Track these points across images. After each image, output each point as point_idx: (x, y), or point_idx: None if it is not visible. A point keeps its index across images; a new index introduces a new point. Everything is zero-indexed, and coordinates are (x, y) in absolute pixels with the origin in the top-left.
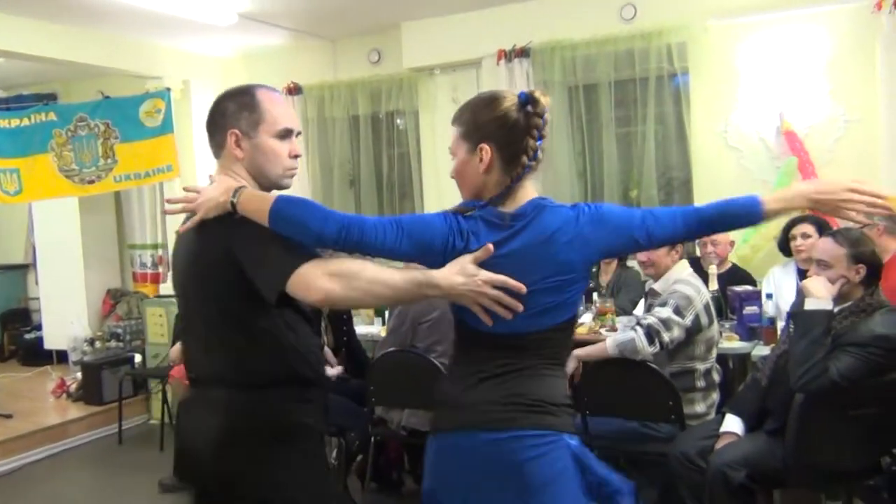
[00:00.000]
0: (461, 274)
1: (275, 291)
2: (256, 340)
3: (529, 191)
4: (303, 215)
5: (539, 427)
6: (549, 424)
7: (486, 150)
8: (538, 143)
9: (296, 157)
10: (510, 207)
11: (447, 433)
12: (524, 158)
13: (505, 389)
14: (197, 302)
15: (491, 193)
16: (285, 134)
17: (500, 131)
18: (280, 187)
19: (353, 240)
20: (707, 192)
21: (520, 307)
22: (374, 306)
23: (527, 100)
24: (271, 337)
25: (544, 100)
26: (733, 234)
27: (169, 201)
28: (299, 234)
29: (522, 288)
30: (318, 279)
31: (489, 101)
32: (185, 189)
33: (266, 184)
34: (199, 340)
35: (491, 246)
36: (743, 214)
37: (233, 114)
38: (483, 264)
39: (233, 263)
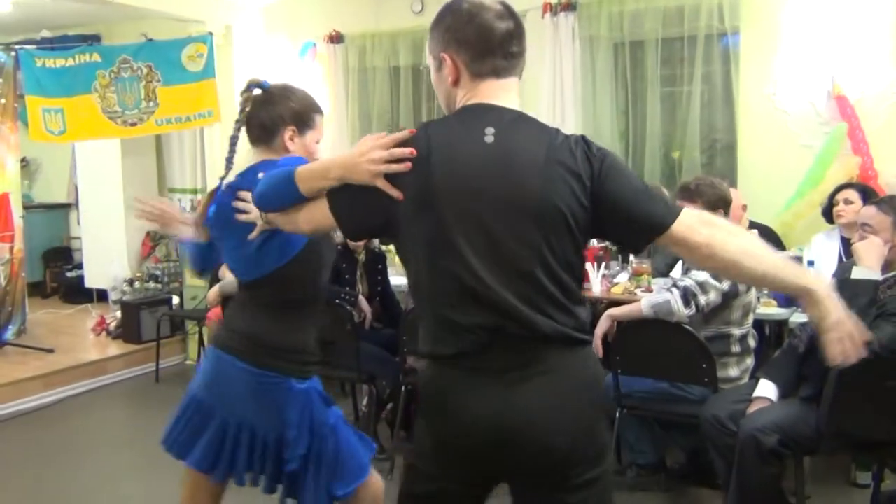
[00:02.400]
0: (357, 153)
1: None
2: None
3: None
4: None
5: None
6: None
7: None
8: None
9: None
10: None
11: None
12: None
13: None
14: (547, 265)
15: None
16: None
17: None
18: None
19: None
20: (751, 156)
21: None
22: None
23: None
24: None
25: None
26: (780, 198)
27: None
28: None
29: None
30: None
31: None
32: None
33: None
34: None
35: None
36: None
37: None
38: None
39: (599, 215)
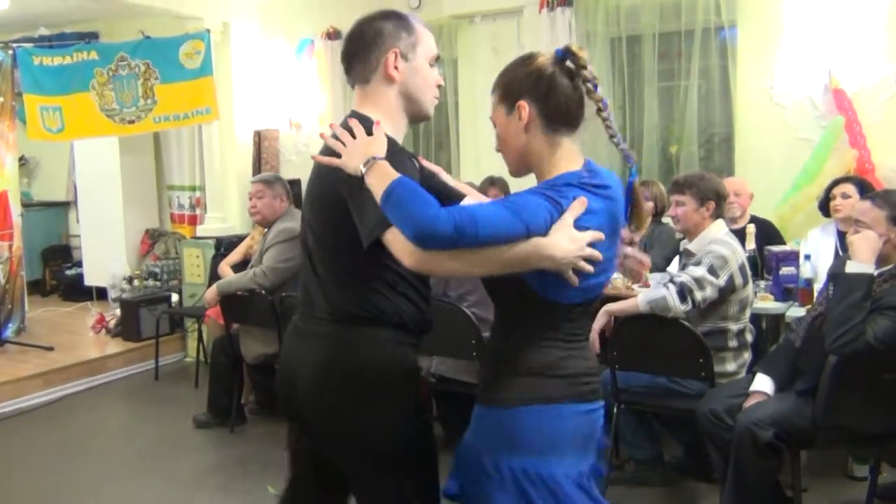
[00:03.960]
0: (570, 240)
1: (370, 235)
2: (374, 278)
3: (575, 153)
4: (415, 205)
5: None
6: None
7: (524, 107)
8: (597, 91)
9: (439, 86)
10: (566, 169)
11: (554, 404)
12: (576, 115)
13: (586, 360)
14: (316, 231)
15: (535, 157)
16: (434, 61)
17: (537, 85)
18: (426, 116)
19: (468, 238)
20: (749, 150)
21: (599, 256)
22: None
23: (564, 55)
24: (387, 277)
25: (582, 52)
26: (777, 192)
27: (324, 135)
28: (407, 224)
29: (601, 237)
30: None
31: (523, 59)
32: (324, 136)
33: (416, 110)
34: (315, 269)
35: (585, 199)
36: None
37: (392, 33)
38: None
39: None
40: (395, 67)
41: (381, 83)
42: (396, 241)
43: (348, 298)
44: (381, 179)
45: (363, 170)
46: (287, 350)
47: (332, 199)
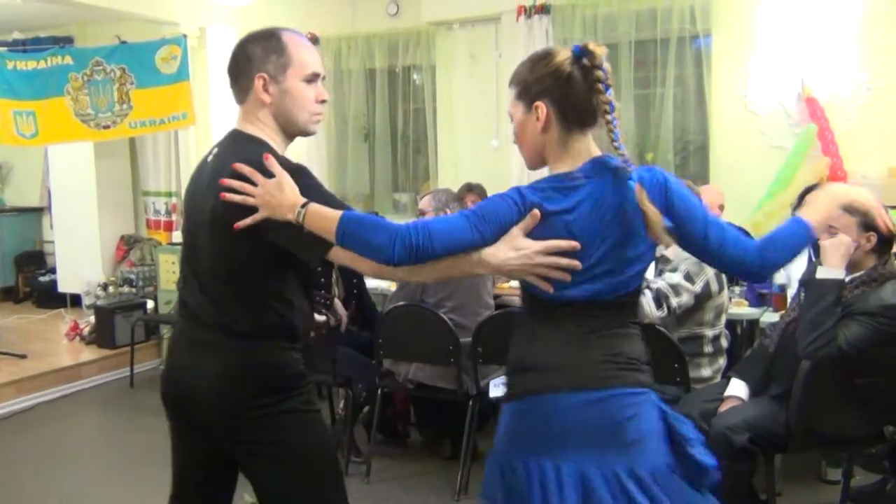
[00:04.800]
0: (512, 249)
1: (318, 258)
2: (267, 297)
3: (592, 147)
4: (371, 237)
5: (638, 385)
6: (643, 382)
7: (542, 108)
8: (608, 93)
9: (322, 101)
10: (571, 166)
11: (536, 396)
12: (590, 114)
13: (599, 350)
14: (212, 252)
15: (551, 154)
16: (312, 78)
17: (555, 86)
18: (306, 133)
19: (425, 255)
20: (723, 157)
21: (578, 265)
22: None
23: (581, 52)
24: (279, 295)
25: (599, 50)
26: (751, 199)
27: (227, 188)
28: (369, 254)
29: (576, 245)
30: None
31: (542, 57)
32: (243, 179)
33: (292, 130)
34: (205, 286)
35: (538, 212)
36: (798, 232)
37: (259, 57)
38: (552, 227)
39: (262, 224)
40: (266, 90)
41: (254, 105)
42: (346, 255)
43: (243, 316)
44: (323, 222)
45: (300, 220)
46: (177, 360)
47: (223, 219)
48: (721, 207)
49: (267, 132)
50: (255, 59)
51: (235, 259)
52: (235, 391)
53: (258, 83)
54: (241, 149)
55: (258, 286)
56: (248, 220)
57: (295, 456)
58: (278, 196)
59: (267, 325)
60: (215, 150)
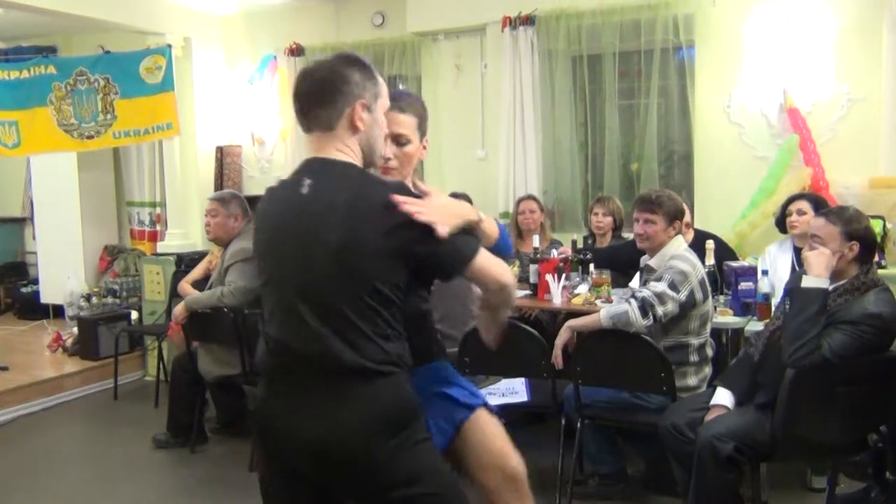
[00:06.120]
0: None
1: (459, 270)
2: (395, 326)
3: None
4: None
5: None
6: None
7: (427, 143)
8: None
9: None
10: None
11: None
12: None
13: None
14: (340, 283)
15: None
16: (386, 113)
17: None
18: (374, 165)
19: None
20: (707, 168)
21: None
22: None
23: None
24: (400, 322)
25: None
26: (735, 209)
27: (399, 200)
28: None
29: None
30: (502, 265)
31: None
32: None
33: (369, 161)
34: (327, 319)
35: None
36: None
37: (359, 82)
38: None
39: (401, 245)
40: (361, 117)
41: (345, 130)
42: (484, 265)
43: (376, 349)
44: (491, 226)
45: (481, 219)
46: (294, 413)
47: (374, 250)
48: (688, 225)
49: (354, 160)
50: (354, 83)
51: (370, 286)
52: (384, 434)
53: (358, 108)
54: (358, 176)
55: (388, 315)
56: (444, 230)
57: (442, 486)
58: (451, 206)
59: (397, 355)
60: (306, 180)
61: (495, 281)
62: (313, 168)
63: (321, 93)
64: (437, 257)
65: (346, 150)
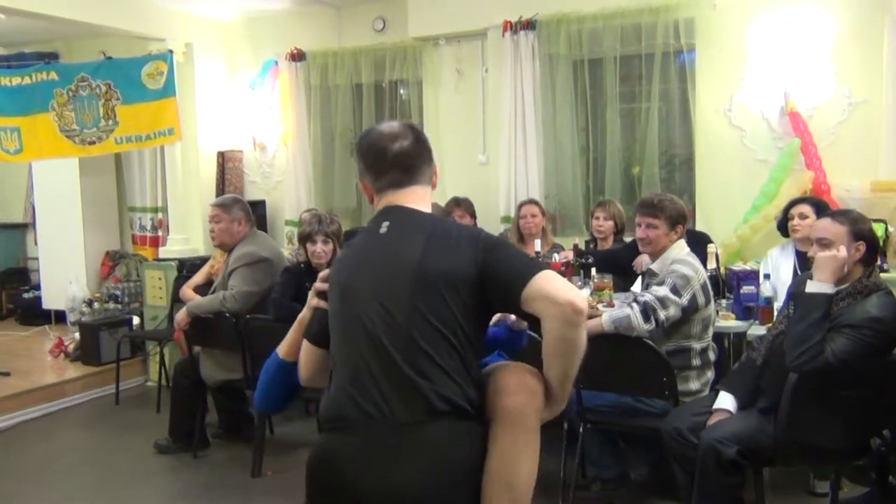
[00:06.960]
0: None
1: (523, 283)
2: (475, 365)
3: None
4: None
5: None
6: None
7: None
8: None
9: None
10: None
11: None
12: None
13: None
14: (428, 327)
15: None
16: None
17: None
18: None
19: None
20: (708, 171)
21: None
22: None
23: None
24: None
25: None
26: (737, 212)
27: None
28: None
29: None
30: (568, 283)
31: None
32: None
33: None
34: (416, 366)
35: None
36: None
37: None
38: None
39: (482, 280)
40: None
41: (428, 187)
42: (560, 280)
43: (467, 391)
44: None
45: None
46: (385, 475)
47: (463, 279)
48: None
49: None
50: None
51: (460, 325)
52: (460, 493)
53: (436, 169)
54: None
55: (474, 355)
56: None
57: None
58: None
59: (478, 396)
60: (386, 222)
61: (564, 298)
62: (393, 214)
63: (420, 154)
64: (510, 260)
65: (429, 204)
